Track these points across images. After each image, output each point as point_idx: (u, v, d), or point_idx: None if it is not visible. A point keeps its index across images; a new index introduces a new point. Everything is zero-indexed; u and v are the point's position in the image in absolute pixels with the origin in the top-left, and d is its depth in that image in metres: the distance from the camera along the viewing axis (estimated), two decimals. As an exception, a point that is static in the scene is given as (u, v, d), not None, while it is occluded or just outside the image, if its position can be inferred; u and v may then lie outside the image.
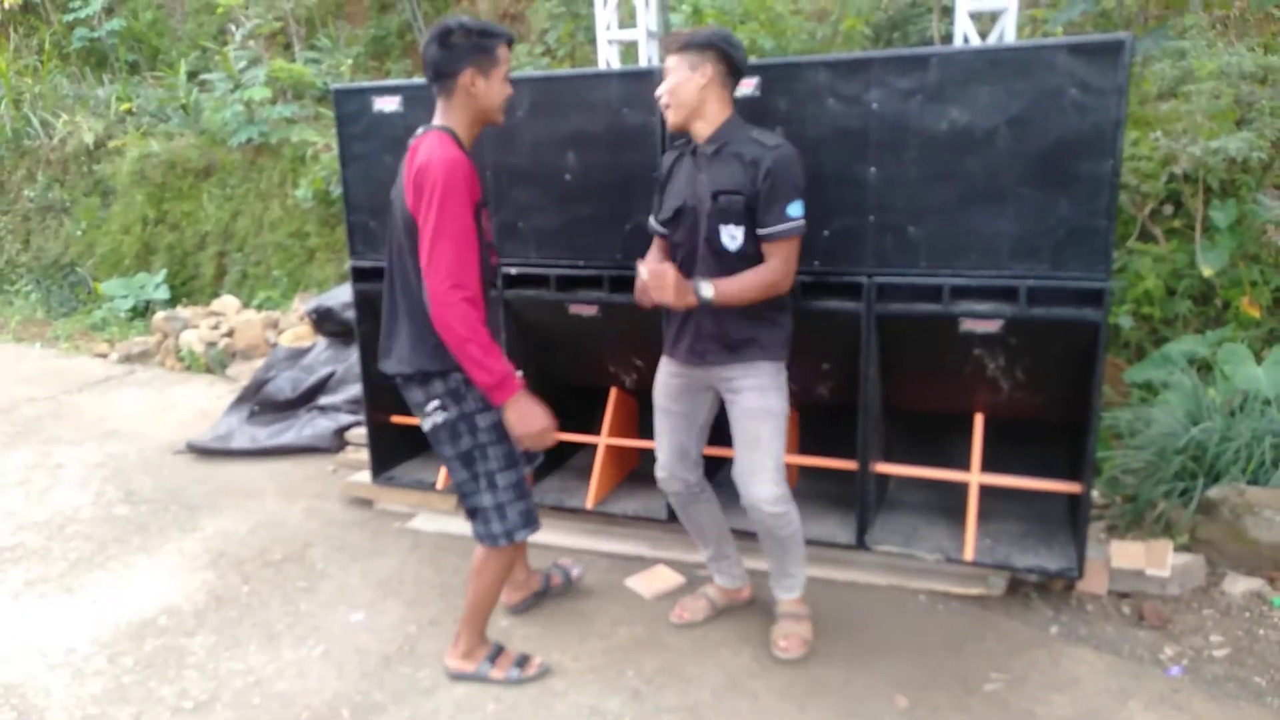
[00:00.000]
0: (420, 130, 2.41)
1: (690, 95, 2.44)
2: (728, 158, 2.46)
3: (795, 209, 2.41)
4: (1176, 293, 3.91)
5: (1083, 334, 2.70)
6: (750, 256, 2.47)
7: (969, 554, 2.94)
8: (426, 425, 2.45)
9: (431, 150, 2.28)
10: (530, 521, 2.52)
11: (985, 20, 3.72)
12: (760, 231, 2.43)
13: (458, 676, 2.65)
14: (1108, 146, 2.54)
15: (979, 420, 3.12)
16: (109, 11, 8.75)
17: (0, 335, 7.10)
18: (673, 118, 2.50)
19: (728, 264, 2.48)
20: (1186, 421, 3.29)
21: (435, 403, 2.40)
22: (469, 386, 2.37)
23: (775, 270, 2.44)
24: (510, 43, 2.42)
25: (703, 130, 2.49)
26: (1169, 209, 4.04)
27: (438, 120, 2.40)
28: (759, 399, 2.53)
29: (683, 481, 2.76)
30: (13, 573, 3.40)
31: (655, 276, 2.39)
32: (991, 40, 3.46)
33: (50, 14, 8.85)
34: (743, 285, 2.44)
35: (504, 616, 2.98)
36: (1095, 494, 3.40)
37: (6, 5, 8.57)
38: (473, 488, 2.47)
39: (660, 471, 2.77)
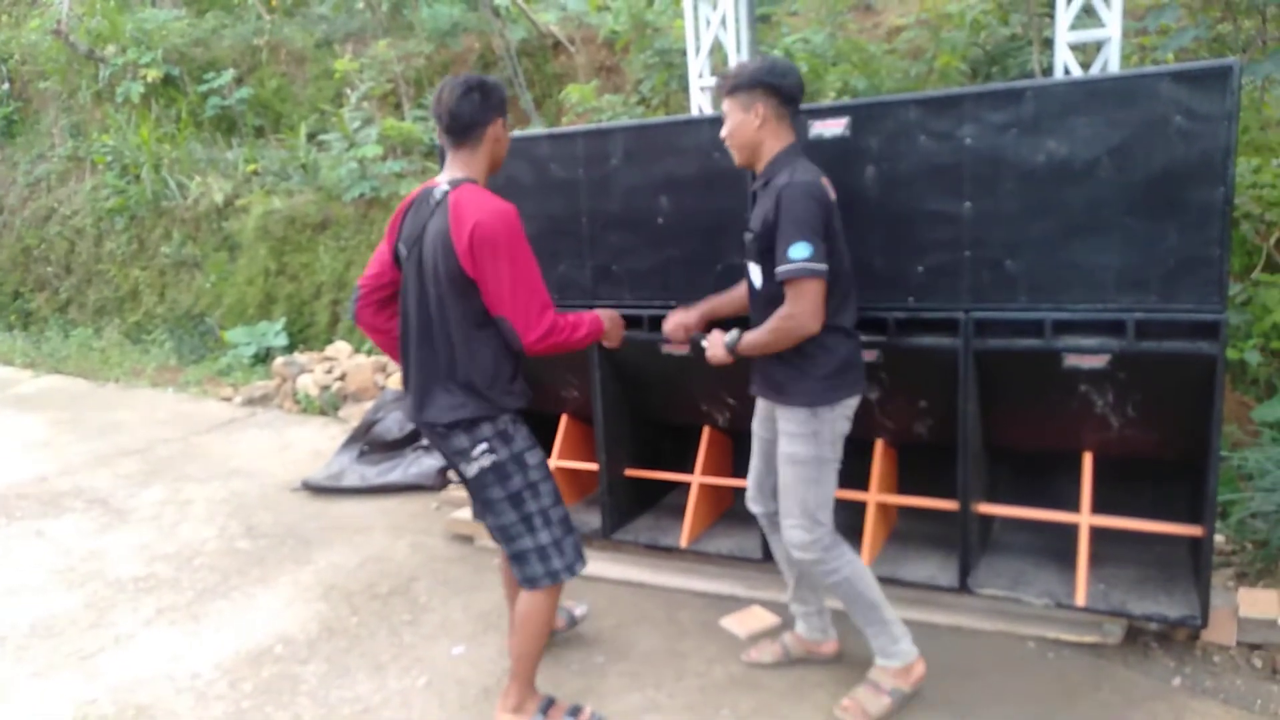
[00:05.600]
0: (446, 186, 2.37)
1: (749, 137, 2.44)
2: (764, 194, 2.44)
3: (796, 250, 2.28)
4: (1307, 325, 3.68)
5: (1198, 368, 2.58)
6: (777, 298, 2.39)
7: (1081, 599, 2.81)
8: (472, 470, 2.42)
9: (479, 205, 2.29)
10: (582, 554, 2.55)
11: (1090, 50, 3.65)
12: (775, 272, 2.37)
13: None
14: (1218, 174, 2.45)
15: (1088, 459, 2.99)
16: (239, 81, 9.47)
17: (139, 381, 7.65)
18: (736, 159, 2.52)
19: (758, 303, 2.53)
20: (1321, 462, 3.08)
21: (483, 445, 2.40)
22: (515, 426, 2.45)
23: (784, 314, 2.35)
24: None
25: (760, 167, 2.49)
26: (1295, 237, 3.84)
27: (458, 173, 2.40)
28: (786, 445, 2.50)
29: (761, 507, 2.78)
30: (146, 601, 3.64)
31: (672, 329, 2.70)
32: (1095, 71, 3.39)
33: (187, 85, 9.63)
34: (759, 335, 2.44)
35: (599, 653, 3.01)
36: (1221, 539, 3.21)
37: (149, 79, 9.37)
38: (521, 530, 2.45)
39: (747, 492, 2.82)
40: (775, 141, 2.44)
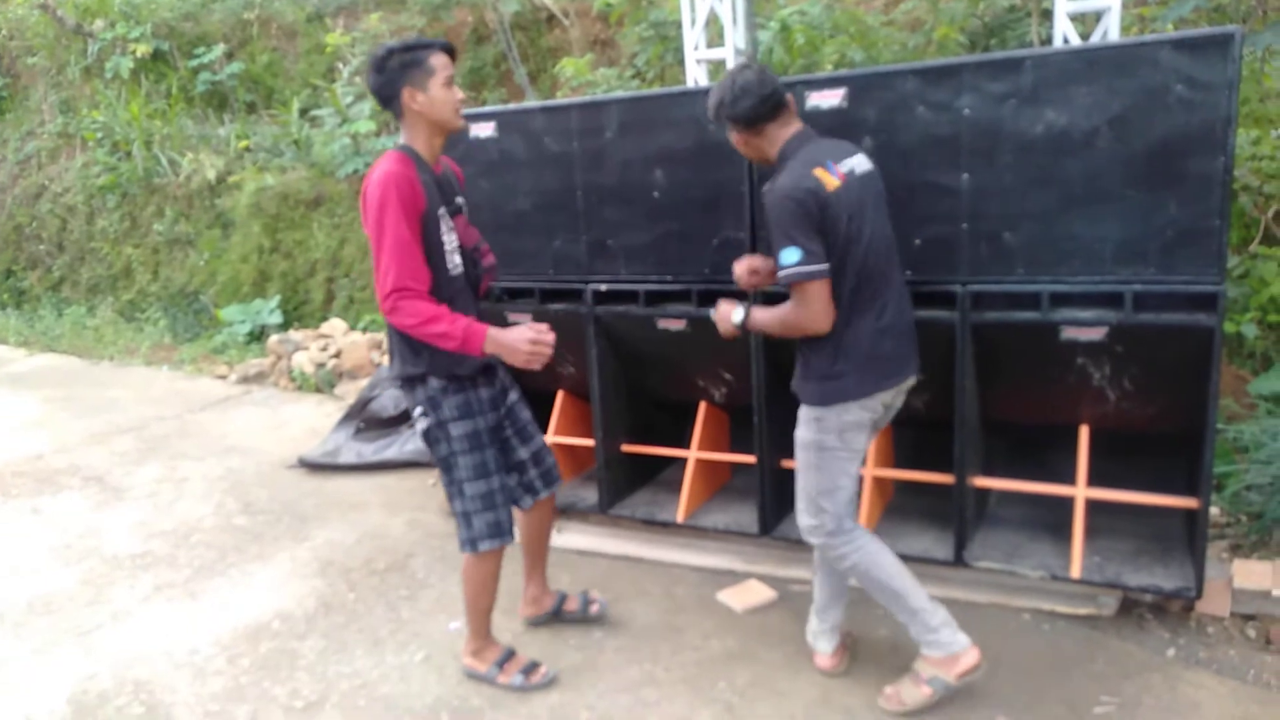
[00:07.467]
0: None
1: (747, 153, 2.49)
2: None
3: (786, 255, 2.29)
4: (1305, 298, 3.68)
5: (1196, 340, 2.57)
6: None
7: (1076, 571, 2.82)
8: (418, 429, 2.54)
9: (374, 170, 2.34)
10: (498, 533, 2.59)
11: (1089, 21, 3.61)
12: None
13: (470, 674, 2.77)
14: (1218, 144, 2.43)
15: (1084, 432, 2.99)
16: (229, 56, 9.35)
17: (133, 359, 7.62)
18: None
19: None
20: (1317, 434, 3.08)
21: (419, 408, 2.52)
22: (444, 395, 2.49)
23: (790, 311, 2.38)
24: (447, 50, 2.42)
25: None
26: (1294, 210, 3.82)
27: (400, 140, 2.46)
28: (798, 429, 2.50)
29: None
30: (144, 578, 3.64)
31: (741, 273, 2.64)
32: (1094, 41, 3.35)
33: (178, 61, 9.51)
34: (766, 318, 2.47)
35: (597, 627, 3.02)
36: (1216, 511, 3.22)
37: (139, 54, 9.25)
38: (451, 494, 2.59)
39: None
40: (771, 146, 2.43)
